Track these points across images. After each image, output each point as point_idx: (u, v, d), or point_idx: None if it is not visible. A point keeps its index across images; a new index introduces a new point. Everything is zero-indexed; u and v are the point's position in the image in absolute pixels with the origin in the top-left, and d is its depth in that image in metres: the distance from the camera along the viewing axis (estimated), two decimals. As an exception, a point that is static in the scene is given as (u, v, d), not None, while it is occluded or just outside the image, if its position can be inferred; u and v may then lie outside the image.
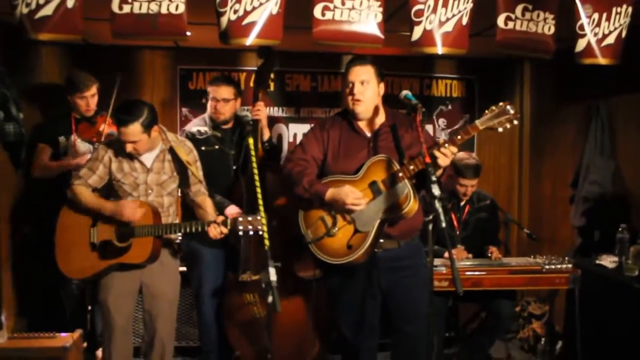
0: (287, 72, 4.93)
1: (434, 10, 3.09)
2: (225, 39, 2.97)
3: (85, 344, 3.55)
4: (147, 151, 3.02)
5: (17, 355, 3.06)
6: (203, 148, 3.44)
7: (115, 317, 3.04)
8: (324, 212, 2.80)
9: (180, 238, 3.44)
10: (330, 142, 2.90)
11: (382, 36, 3.08)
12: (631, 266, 3.36)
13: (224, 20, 2.93)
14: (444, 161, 2.62)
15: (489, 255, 3.75)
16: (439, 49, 3.14)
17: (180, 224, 3.01)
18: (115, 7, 2.86)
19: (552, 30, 3.26)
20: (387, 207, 2.71)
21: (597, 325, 3.52)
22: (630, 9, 3.34)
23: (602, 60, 3.36)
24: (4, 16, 3.31)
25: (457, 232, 3.89)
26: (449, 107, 5.15)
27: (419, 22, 3.10)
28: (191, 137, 3.49)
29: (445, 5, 3.10)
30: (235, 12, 2.92)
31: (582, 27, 3.30)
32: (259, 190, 2.63)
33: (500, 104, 2.64)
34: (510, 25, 3.18)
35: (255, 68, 3.77)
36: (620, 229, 3.55)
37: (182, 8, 2.88)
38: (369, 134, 2.90)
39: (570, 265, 3.57)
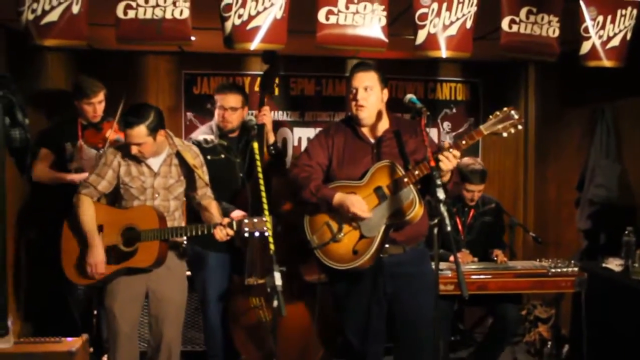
0: (292, 76, 4.94)
1: (438, 14, 3.09)
2: (229, 44, 2.97)
3: (91, 349, 3.54)
4: (153, 155, 3.02)
5: (23, 360, 3.07)
6: (209, 157, 3.41)
7: (121, 324, 3.04)
8: (329, 217, 2.80)
9: (185, 242, 3.44)
10: (335, 148, 2.90)
11: (386, 40, 3.08)
12: (638, 269, 3.35)
13: (229, 25, 2.94)
14: (446, 165, 2.61)
15: (495, 258, 3.75)
16: (443, 53, 3.14)
17: (186, 227, 3.01)
18: (120, 12, 2.87)
19: (557, 33, 3.25)
20: (392, 212, 2.71)
21: (603, 328, 3.50)
22: (635, 11, 3.33)
23: (607, 63, 3.34)
24: (9, 22, 3.33)
25: (462, 236, 3.89)
26: (454, 110, 5.15)
27: (423, 26, 3.10)
28: (197, 145, 3.45)
29: (449, 8, 3.10)
30: (240, 16, 2.92)
31: (586, 30, 3.28)
32: (263, 193, 2.63)
33: (505, 109, 2.63)
34: (515, 28, 3.17)
35: (260, 72, 3.77)
36: (626, 232, 3.54)
37: (186, 13, 2.89)
38: (372, 140, 2.90)
39: (576, 269, 3.55)
